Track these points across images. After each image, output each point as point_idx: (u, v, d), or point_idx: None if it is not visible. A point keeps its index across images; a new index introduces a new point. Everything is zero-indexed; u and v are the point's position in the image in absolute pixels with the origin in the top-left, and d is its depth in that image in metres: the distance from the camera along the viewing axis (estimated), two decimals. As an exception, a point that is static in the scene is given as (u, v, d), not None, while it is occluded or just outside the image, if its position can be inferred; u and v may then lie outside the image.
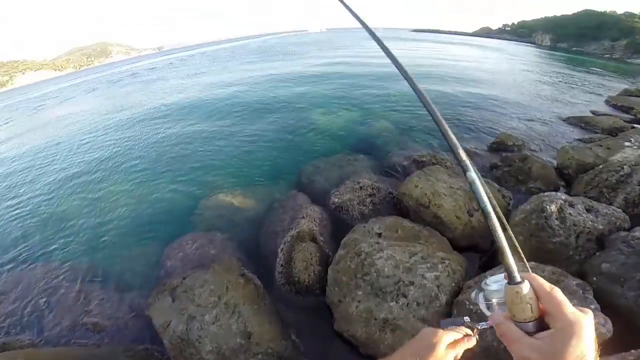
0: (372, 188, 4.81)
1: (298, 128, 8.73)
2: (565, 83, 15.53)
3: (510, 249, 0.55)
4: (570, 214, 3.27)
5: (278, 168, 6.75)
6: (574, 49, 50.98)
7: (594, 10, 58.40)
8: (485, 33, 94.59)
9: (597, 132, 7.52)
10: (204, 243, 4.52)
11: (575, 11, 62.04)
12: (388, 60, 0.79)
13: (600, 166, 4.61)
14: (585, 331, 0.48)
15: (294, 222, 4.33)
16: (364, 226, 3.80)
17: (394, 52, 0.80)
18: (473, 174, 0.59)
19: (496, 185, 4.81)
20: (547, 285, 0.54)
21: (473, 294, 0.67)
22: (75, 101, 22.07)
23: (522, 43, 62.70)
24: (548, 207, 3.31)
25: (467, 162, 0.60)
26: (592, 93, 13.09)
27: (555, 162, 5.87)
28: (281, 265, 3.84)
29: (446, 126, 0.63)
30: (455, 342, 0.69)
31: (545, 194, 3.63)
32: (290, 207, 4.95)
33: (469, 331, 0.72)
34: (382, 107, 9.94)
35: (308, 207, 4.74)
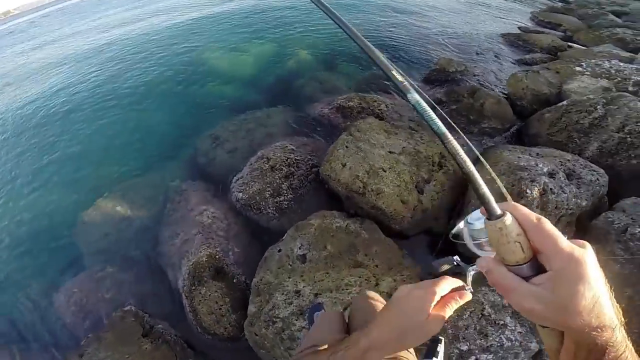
0: (288, 164, 3.42)
1: (193, 79, 6.47)
2: None
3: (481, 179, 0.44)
4: (552, 190, 2.46)
5: (170, 143, 4.83)
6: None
7: None
8: None
9: (536, 52, 6.93)
10: (93, 289, 3.28)
11: None
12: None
13: (565, 103, 3.83)
14: (589, 269, 0.38)
15: (189, 242, 3.09)
16: (280, 250, 2.57)
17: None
18: (415, 94, 0.53)
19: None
20: (533, 215, 0.43)
21: (458, 228, 0.53)
22: None
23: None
24: (529, 191, 2.44)
25: (405, 82, 0.55)
26: (516, 9, 12.60)
27: (505, 92, 5.04)
28: (190, 312, 2.68)
29: (372, 47, 0.57)
30: (444, 301, 0.56)
31: (524, 166, 2.73)
32: (181, 214, 3.54)
33: (459, 282, 0.58)
34: (300, 33, 7.80)
35: (205, 210, 3.37)
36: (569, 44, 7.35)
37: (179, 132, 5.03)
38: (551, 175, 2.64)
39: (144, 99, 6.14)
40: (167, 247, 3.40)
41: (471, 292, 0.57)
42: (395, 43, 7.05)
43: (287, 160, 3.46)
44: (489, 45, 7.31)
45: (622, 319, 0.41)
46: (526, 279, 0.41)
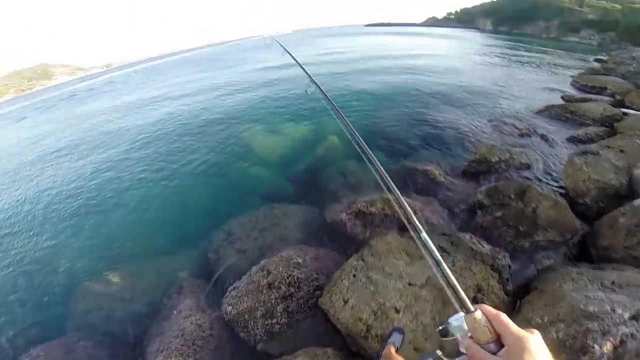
0: (289, 283, 3.20)
1: (227, 158, 6.90)
2: (522, 65, 15.01)
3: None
4: (633, 336, 1.92)
5: (190, 229, 4.98)
6: (514, 31, 53.43)
7: (525, -7, 61.30)
8: (433, 22, 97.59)
9: (588, 124, 6.24)
10: (59, 357, 3.21)
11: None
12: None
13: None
14: (532, 343, 0.55)
15: (165, 344, 3.01)
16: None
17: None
18: (425, 234, 0.78)
19: (484, 246, 3.25)
20: (493, 310, 0.62)
21: (444, 327, 0.68)
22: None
23: (467, 29, 65.26)
24: (598, 346, 1.92)
25: (417, 222, 0.81)
26: (554, 74, 12.42)
27: (561, 186, 4.33)
28: None
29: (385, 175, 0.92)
30: None
31: (593, 313, 2.13)
32: (171, 312, 3.47)
33: None
34: (333, 116, 8.17)
35: (191, 315, 3.26)
36: (623, 110, 6.58)
37: (201, 217, 5.18)
38: (634, 318, 2.02)
39: (176, 175, 6.59)
40: (148, 340, 3.31)
41: None
42: (427, 129, 6.93)
43: (288, 277, 3.23)
44: (533, 122, 6.77)
45: None
46: (494, 354, 0.58)
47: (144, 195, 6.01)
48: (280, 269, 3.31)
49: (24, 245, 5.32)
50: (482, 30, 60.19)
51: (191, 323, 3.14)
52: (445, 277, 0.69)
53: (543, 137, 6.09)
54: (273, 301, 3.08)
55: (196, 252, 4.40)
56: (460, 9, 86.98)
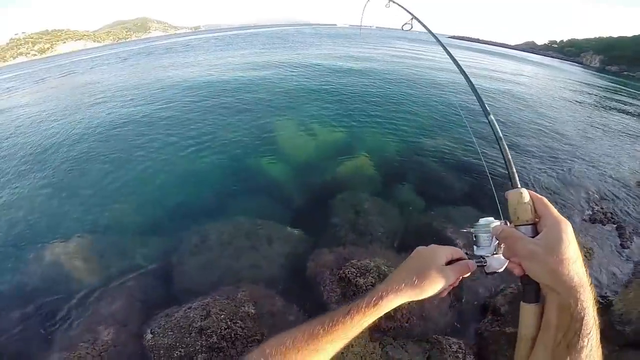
0: (223, 336, 2.28)
1: (245, 144, 6.26)
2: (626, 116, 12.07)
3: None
4: None
5: (168, 214, 4.40)
6: (625, 73, 45.85)
7: (658, 34, 51.89)
8: (529, 48, 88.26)
9: None
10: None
11: (636, 34, 55.51)
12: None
13: None
14: (570, 231, 0.53)
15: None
16: None
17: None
18: (492, 116, 0.77)
19: None
20: (536, 194, 0.60)
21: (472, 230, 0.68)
22: (98, 70, 21.27)
23: (567, 62, 57.68)
24: None
25: (486, 106, 0.81)
26: None
27: (609, 300, 3.06)
28: None
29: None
30: (454, 262, 0.64)
31: None
32: (93, 315, 2.96)
33: (464, 256, 0.67)
34: (377, 130, 7.04)
35: (109, 328, 2.77)
36: None
37: (189, 202, 4.55)
38: None
39: (185, 149, 6.12)
40: (61, 333, 2.83)
41: (476, 266, 0.65)
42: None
43: (225, 329, 2.39)
44: (617, 205, 5.03)
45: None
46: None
47: (141, 163, 5.61)
48: (222, 317, 2.50)
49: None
50: (586, 67, 52.81)
51: (108, 334, 2.71)
52: (503, 152, 0.70)
53: (620, 231, 4.29)
54: (197, 347, 2.34)
55: (162, 247, 3.73)
56: (568, 39, 77.26)
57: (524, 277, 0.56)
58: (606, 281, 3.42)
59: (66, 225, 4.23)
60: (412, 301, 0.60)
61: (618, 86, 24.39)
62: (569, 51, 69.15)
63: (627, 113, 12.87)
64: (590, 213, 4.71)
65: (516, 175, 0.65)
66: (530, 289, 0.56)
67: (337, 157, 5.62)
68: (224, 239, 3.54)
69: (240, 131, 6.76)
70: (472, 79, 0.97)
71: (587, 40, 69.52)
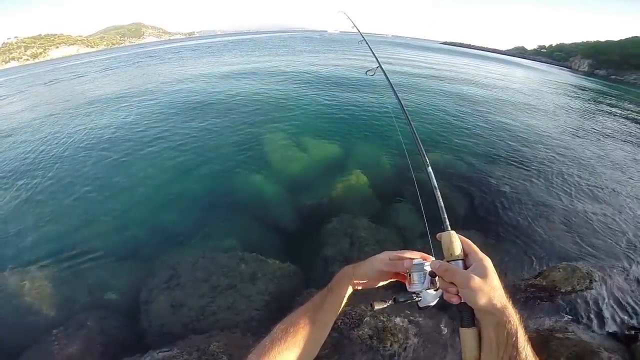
0: None
1: (231, 158, 5.93)
2: (618, 122, 12.07)
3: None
4: None
5: (143, 237, 4.11)
6: (613, 77, 46.71)
7: (644, 38, 52.97)
8: (519, 53, 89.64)
9: None
10: None
11: (623, 38, 56.60)
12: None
13: None
14: (491, 263, 0.63)
15: None
16: None
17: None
18: (430, 168, 0.87)
19: None
20: (461, 236, 0.69)
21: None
22: (84, 79, 20.46)
23: (556, 66, 58.57)
24: None
25: (426, 158, 0.93)
26: None
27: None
28: None
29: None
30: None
31: None
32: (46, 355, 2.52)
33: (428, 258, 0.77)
34: (372, 146, 6.68)
35: None
36: None
37: (166, 225, 4.19)
38: None
39: (166, 162, 5.80)
40: None
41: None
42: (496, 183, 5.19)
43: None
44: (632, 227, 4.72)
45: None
46: None
47: (109, 182, 5.23)
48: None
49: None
50: (575, 71, 53.68)
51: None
52: (437, 201, 0.79)
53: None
54: None
55: (130, 280, 3.36)
56: (556, 44, 78.62)
57: (461, 304, 0.62)
58: (632, 317, 3.15)
59: (23, 253, 3.84)
60: (356, 284, 0.79)
61: (606, 89, 24.71)
62: (558, 56, 70.28)
63: (613, 116, 12.95)
64: (611, 236, 4.54)
65: (447, 219, 0.75)
66: (467, 315, 0.62)
67: (329, 175, 5.25)
68: (198, 274, 3.12)
69: (222, 146, 6.41)
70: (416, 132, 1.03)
71: (575, 45, 70.70)
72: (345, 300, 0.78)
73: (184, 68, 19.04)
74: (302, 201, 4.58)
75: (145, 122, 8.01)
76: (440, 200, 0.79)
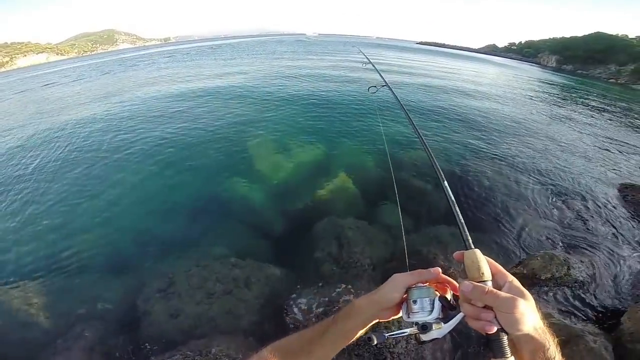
0: None
1: (225, 164, 5.96)
2: (582, 112, 12.87)
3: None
4: None
5: (134, 247, 4.06)
6: (579, 71, 49.33)
7: (605, 33, 56.24)
8: (491, 50, 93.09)
9: None
10: None
11: (586, 33, 59.93)
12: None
13: None
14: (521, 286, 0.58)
15: None
16: None
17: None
18: (446, 182, 0.82)
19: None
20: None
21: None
22: (54, 88, 19.83)
23: (526, 62, 61.20)
24: None
25: (440, 171, 0.88)
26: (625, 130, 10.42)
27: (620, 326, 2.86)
28: None
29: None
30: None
31: None
32: None
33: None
34: (356, 146, 6.78)
35: None
36: None
37: (157, 235, 4.17)
38: None
39: (151, 171, 5.75)
40: None
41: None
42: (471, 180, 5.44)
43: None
44: (609, 211, 5.05)
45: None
46: None
47: (97, 192, 5.17)
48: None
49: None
50: (544, 67, 56.31)
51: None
52: (456, 216, 0.72)
53: (614, 240, 4.37)
54: None
55: (126, 290, 3.36)
56: (525, 41, 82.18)
57: (493, 334, 0.55)
58: (612, 301, 3.40)
59: (20, 265, 3.79)
60: (377, 315, 0.66)
61: (572, 83, 26.14)
62: (528, 52, 73.54)
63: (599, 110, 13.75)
64: (583, 224, 4.77)
65: (469, 237, 0.67)
66: (499, 345, 0.55)
67: (315, 177, 5.40)
68: (193, 282, 3.18)
69: (208, 154, 6.40)
70: (431, 152, 1.00)
71: (543, 42, 74.18)
72: (352, 337, 0.66)
73: (159, 74, 18.66)
74: (290, 204, 4.69)
75: (129, 131, 7.86)
76: (460, 216, 0.71)
